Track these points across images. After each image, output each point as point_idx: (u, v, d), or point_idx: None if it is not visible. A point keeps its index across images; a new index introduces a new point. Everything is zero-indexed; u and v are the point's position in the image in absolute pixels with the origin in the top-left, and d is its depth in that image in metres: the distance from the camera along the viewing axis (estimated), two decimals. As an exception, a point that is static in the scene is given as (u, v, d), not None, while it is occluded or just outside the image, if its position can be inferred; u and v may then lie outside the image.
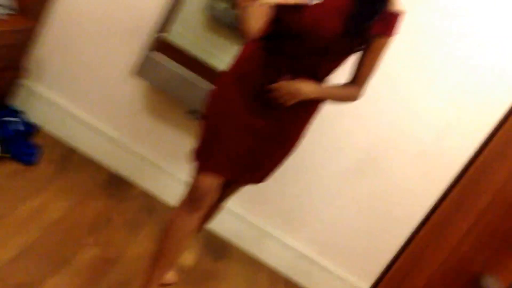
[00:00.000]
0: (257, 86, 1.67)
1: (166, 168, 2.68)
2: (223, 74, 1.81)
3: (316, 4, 1.55)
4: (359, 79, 1.70)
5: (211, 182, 1.70)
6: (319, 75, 1.69)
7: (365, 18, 1.56)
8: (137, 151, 2.67)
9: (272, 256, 2.72)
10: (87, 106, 2.66)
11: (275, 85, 1.63)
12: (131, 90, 2.62)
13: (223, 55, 2.44)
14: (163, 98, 2.58)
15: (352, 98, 1.74)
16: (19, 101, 2.64)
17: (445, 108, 2.43)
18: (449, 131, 2.45)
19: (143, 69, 2.47)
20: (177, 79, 2.44)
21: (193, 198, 1.71)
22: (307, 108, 1.75)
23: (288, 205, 2.68)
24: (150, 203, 2.59)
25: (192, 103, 2.47)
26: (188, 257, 2.34)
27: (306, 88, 1.64)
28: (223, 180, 1.76)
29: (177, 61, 2.42)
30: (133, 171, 2.69)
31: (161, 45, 2.41)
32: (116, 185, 2.57)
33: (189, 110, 2.55)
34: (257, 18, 1.51)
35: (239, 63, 1.75)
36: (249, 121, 1.69)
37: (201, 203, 1.72)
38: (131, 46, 2.52)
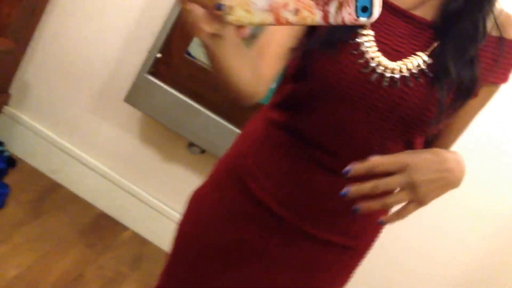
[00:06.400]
0: (269, 201, 0.98)
1: (161, 208, 2.34)
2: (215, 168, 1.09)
3: (382, 34, 0.89)
4: (446, 144, 1.02)
5: None
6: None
7: (465, 54, 0.89)
8: (129, 189, 2.35)
9: None
10: (75, 137, 2.37)
11: (384, 160, 0.86)
12: (125, 120, 2.31)
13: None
14: (161, 129, 2.25)
15: None
16: (-2, 131, 2.38)
17: None
18: None
19: (137, 96, 2.16)
20: (176, 107, 2.10)
21: None
22: (368, 242, 1.07)
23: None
24: (138, 250, 2.25)
25: (193, 135, 2.15)
26: None
27: (453, 161, 0.91)
28: None
29: (178, 86, 2.09)
30: (123, 211, 2.36)
31: (160, 67, 2.08)
32: (101, 228, 2.25)
33: (189, 143, 2.24)
34: (238, 61, 0.77)
35: (238, 149, 1.05)
36: (244, 270, 1.02)
37: None
38: (126, 69, 2.21)
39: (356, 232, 1.02)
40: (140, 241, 2.30)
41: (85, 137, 2.37)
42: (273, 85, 1.01)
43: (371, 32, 0.88)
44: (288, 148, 0.97)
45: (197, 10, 0.61)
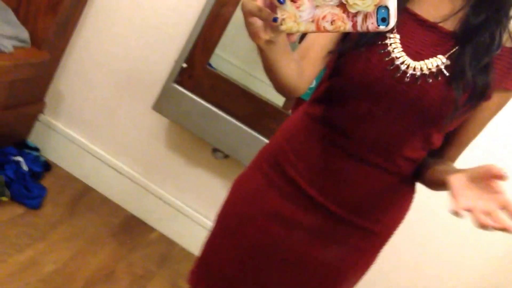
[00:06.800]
0: (301, 182, 1.12)
1: (187, 211, 2.45)
2: (258, 155, 1.24)
3: (408, 39, 1.02)
4: (454, 152, 1.14)
5: None
6: (401, 163, 1.09)
7: (480, 61, 1.00)
8: (156, 192, 2.47)
9: None
10: (105, 143, 2.50)
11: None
12: (153, 127, 2.44)
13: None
14: (187, 135, 2.37)
15: None
16: (35, 137, 2.52)
17: None
18: None
19: (164, 104, 2.29)
20: (200, 114, 2.22)
21: None
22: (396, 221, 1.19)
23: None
24: (165, 250, 2.36)
25: (216, 140, 2.26)
26: None
27: None
28: None
29: (201, 95, 2.21)
30: (151, 213, 2.48)
31: (184, 77, 2.21)
32: (130, 229, 2.37)
33: (213, 149, 2.35)
34: (286, 62, 0.92)
35: (278, 138, 1.20)
36: (278, 240, 1.16)
37: None
38: (153, 79, 2.34)
39: (378, 217, 1.14)
40: (167, 242, 2.42)
41: (115, 143, 2.49)
42: (313, 85, 1.16)
43: (398, 36, 1.01)
44: (321, 137, 1.11)
45: (257, 22, 0.77)
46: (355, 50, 1.02)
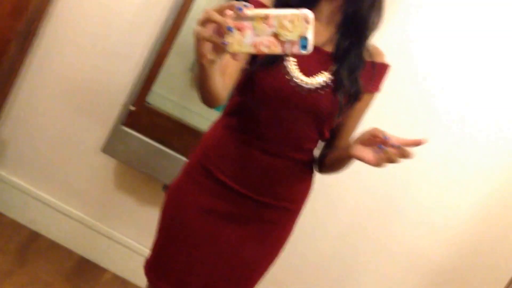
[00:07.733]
0: (227, 180, 1.38)
1: (140, 249, 2.46)
2: (187, 162, 1.49)
3: (301, 60, 1.30)
4: (343, 142, 1.45)
5: None
6: (303, 153, 1.41)
7: (354, 74, 1.33)
8: (108, 233, 2.47)
9: None
10: (52, 188, 2.47)
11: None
12: (101, 168, 2.45)
13: (210, 115, 2.27)
14: (136, 174, 2.40)
15: None
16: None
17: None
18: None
19: (112, 146, 2.32)
20: (148, 154, 2.27)
21: None
22: (302, 197, 1.49)
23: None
24: (121, 291, 2.37)
25: (166, 178, 2.31)
26: None
27: None
28: None
29: (149, 135, 2.26)
30: (103, 255, 2.47)
31: (131, 119, 2.26)
32: (84, 272, 2.35)
33: (164, 185, 2.40)
34: (219, 77, 1.15)
35: (202, 148, 1.44)
36: (216, 230, 1.40)
37: None
38: (99, 121, 2.37)
39: (292, 197, 1.44)
40: (121, 282, 2.42)
41: (62, 187, 2.47)
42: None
43: (294, 59, 1.30)
44: (238, 141, 1.37)
45: (207, 45, 0.99)
46: (264, 70, 1.29)
